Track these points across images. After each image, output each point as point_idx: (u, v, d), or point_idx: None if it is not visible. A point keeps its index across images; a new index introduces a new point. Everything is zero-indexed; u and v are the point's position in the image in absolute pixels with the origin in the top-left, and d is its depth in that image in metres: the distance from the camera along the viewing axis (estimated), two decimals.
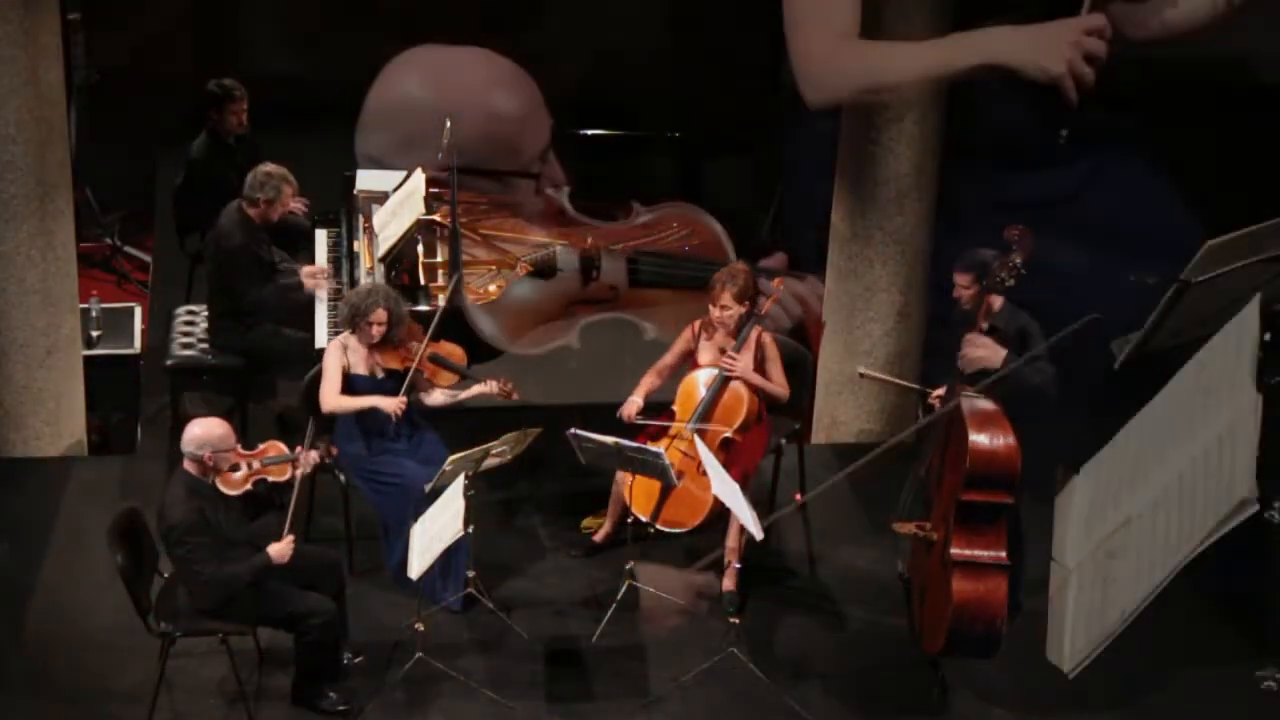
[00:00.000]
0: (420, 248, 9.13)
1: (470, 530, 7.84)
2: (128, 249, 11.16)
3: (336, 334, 8.75)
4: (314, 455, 7.84)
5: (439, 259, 9.06)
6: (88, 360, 9.44)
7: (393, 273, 9.16)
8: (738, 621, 8.07)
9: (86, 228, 10.45)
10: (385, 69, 4.16)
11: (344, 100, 11.67)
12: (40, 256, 9.10)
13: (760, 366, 8.47)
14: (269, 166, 9.29)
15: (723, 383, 8.44)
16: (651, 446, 8.13)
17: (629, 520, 8.35)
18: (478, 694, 7.82)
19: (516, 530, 8.99)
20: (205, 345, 9.47)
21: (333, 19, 12.28)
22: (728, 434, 8.36)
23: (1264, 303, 7.58)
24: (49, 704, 7.77)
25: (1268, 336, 7.76)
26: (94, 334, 9.61)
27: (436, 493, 7.97)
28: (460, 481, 7.88)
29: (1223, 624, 8.32)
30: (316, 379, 8.49)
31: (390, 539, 8.37)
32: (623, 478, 8.45)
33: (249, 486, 7.60)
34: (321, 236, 9.87)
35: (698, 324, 8.57)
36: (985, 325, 7.81)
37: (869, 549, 8.84)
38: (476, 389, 8.48)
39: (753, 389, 8.43)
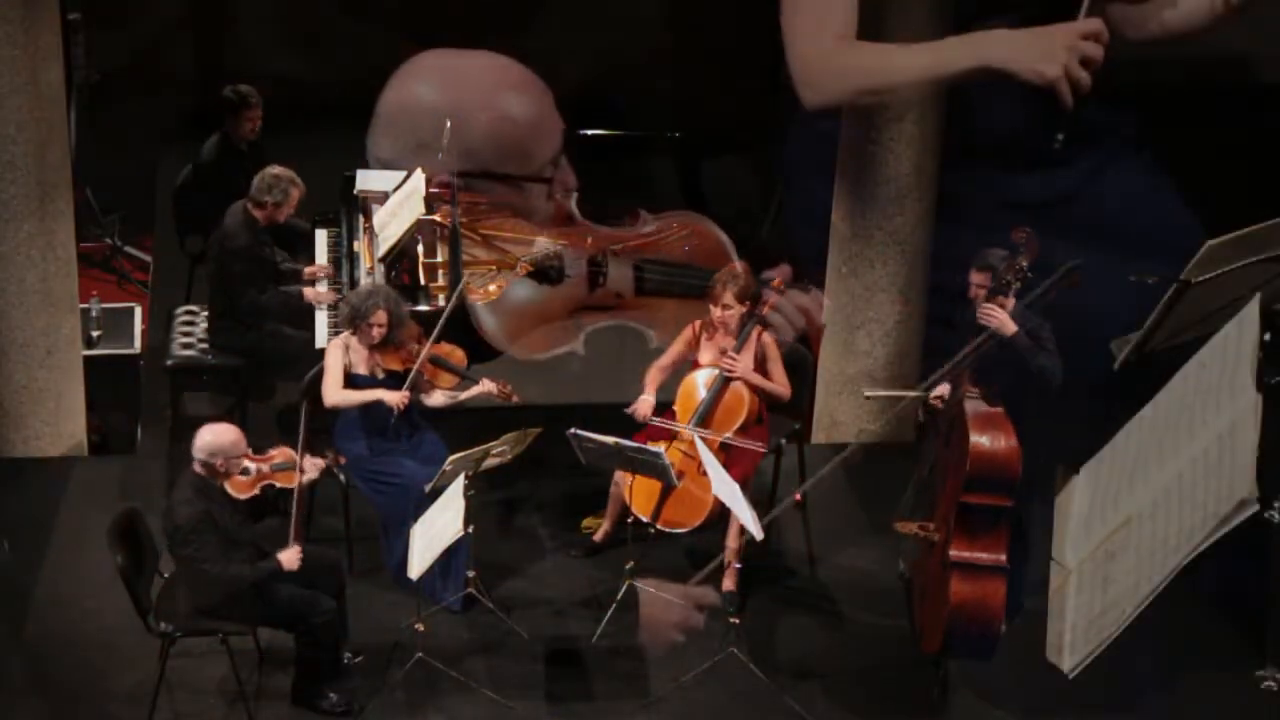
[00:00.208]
0: (420, 248, 9.13)
1: (470, 530, 7.84)
2: (128, 249, 11.16)
3: (337, 334, 8.75)
4: (321, 462, 7.85)
5: (439, 259, 9.06)
6: (88, 360, 9.44)
7: (393, 273, 9.16)
8: (738, 621, 8.07)
9: (86, 228, 10.45)
10: (397, 73, 4.17)
11: (344, 100, 11.67)
12: (40, 257, 9.10)
13: (761, 366, 8.47)
14: (276, 169, 9.29)
15: (723, 383, 8.44)
16: (651, 446, 8.13)
17: (629, 520, 8.35)
18: (478, 694, 7.82)
19: (516, 530, 8.99)
20: (205, 345, 9.47)
21: (332, 19, 12.29)
22: (728, 435, 8.37)
23: (1264, 303, 7.58)
24: (49, 704, 7.77)
25: (1268, 336, 7.76)
26: (94, 334, 9.61)
27: (436, 493, 7.97)
28: (460, 481, 7.88)
29: (1223, 624, 8.32)
30: (317, 379, 8.49)
31: (390, 539, 8.37)
32: (622, 478, 8.45)
33: (256, 491, 7.60)
34: (322, 236, 9.87)
35: (698, 324, 8.57)
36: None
37: (869, 549, 8.84)
38: (476, 390, 8.49)
39: (753, 389, 8.43)
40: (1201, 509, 7.37)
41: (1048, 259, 7.86)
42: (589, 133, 10.71)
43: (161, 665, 7.57)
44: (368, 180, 9.78)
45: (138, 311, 9.99)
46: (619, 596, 8.23)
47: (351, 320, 8.31)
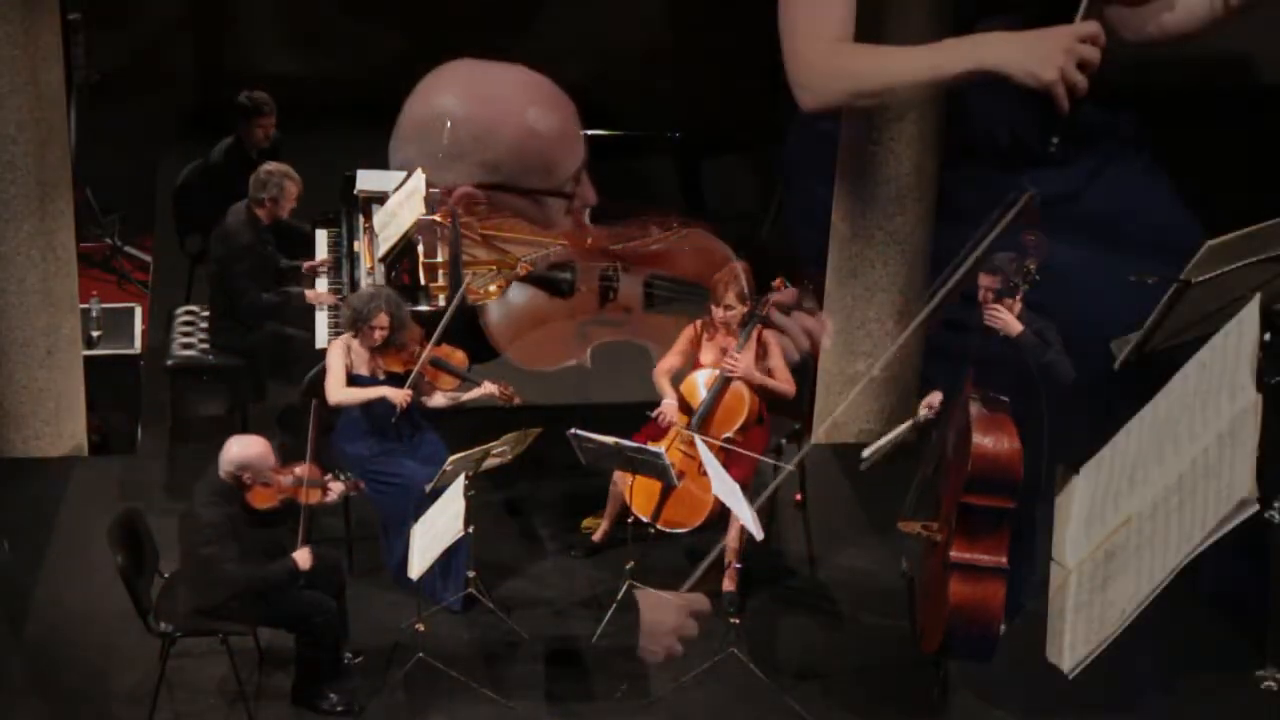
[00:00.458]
0: (420, 248, 9.13)
1: (470, 530, 7.84)
2: (128, 249, 11.16)
3: (337, 334, 8.75)
4: (341, 486, 7.86)
5: (439, 259, 9.06)
6: (88, 360, 9.44)
7: (393, 273, 9.16)
8: (738, 621, 8.07)
9: (86, 228, 10.45)
10: (423, 81, 4.18)
11: (343, 100, 11.70)
12: (40, 257, 9.10)
13: (762, 363, 8.47)
14: (270, 165, 9.31)
15: (724, 384, 8.44)
16: (652, 446, 8.14)
17: (629, 520, 8.35)
18: (478, 694, 7.82)
19: (516, 530, 8.99)
20: (205, 345, 9.47)
21: (332, 19, 12.29)
22: (729, 435, 8.37)
23: (1264, 303, 7.58)
24: (49, 704, 7.77)
25: (1268, 336, 7.76)
26: (94, 334, 9.61)
27: (436, 493, 7.97)
28: (460, 481, 7.88)
29: (1223, 624, 8.32)
30: (317, 379, 8.48)
31: (390, 539, 8.37)
32: (622, 478, 8.45)
33: (275, 504, 7.61)
34: (322, 236, 9.87)
35: (699, 323, 8.57)
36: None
37: (870, 549, 8.84)
38: (477, 392, 8.49)
39: (755, 388, 8.43)
40: (1201, 509, 7.36)
41: (1048, 259, 7.86)
42: (589, 133, 10.71)
43: (161, 665, 7.57)
44: (367, 180, 9.79)
45: (138, 311, 9.99)
46: (619, 596, 8.24)
47: (353, 323, 8.31)
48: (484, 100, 3.94)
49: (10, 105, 8.86)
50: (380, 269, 9.18)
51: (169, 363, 9.48)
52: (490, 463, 8.16)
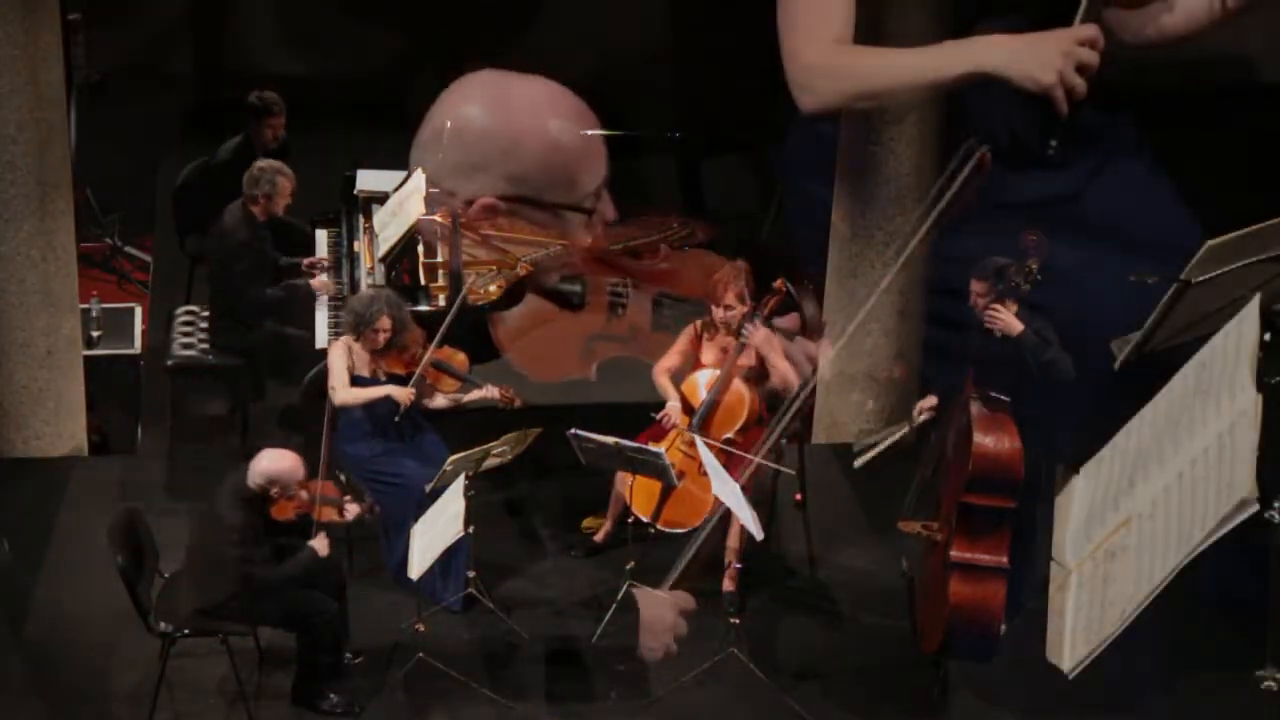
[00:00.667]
0: (420, 248, 9.13)
1: (470, 530, 7.84)
2: (128, 249, 11.16)
3: (337, 334, 8.75)
4: (358, 509, 7.87)
5: (439, 259, 9.06)
6: (88, 360, 9.44)
7: (393, 273, 9.16)
8: (738, 621, 8.07)
9: (86, 228, 10.45)
10: (448, 91, 4.18)
11: (344, 100, 11.69)
12: (40, 257, 9.10)
13: (762, 361, 8.47)
14: (263, 162, 9.32)
15: (724, 384, 8.44)
16: (652, 446, 8.14)
17: (629, 520, 8.35)
18: (478, 694, 7.82)
19: (516, 530, 8.99)
20: (205, 345, 9.47)
21: (332, 19, 12.29)
22: (730, 435, 8.37)
23: (1264, 303, 7.58)
24: (49, 704, 7.77)
25: (1268, 336, 7.75)
26: (94, 334, 9.61)
27: (437, 493, 7.97)
28: (460, 482, 7.88)
29: (1223, 624, 8.32)
30: (317, 379, 8.47)
31: (390, 539, 8.37)
32: (623, 478, 8.45)
33: (292, 516, 7.62)
34: (322, 236, 9.87)
35: (699, 324, 8.57)
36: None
37: (869, 549, 8.84)
38: (477, 394, 8.49)
39: (755, 387, 8.43)
40: (1201, 509, 7.36)
41: (1047, 259, 7.87)
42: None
43: (161, 665, 7.57)
44: (367, 180, 9.79)
45: (138, 311, 9.99)
46: (619, 596, 8.23)
47: (356, 327, 8.29)
48: (510, 113, 3.95)
49: (10, 105, 8.86)
50: (380, 269, 9.18)
51: (169, 363, 9.48)
52: (490, 463, 8.16)
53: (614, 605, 8.22)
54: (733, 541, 8.31)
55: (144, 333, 9.93)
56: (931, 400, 8.00)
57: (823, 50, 7.57)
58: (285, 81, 10.63)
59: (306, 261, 9.59)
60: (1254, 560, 8.00)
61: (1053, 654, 7.87)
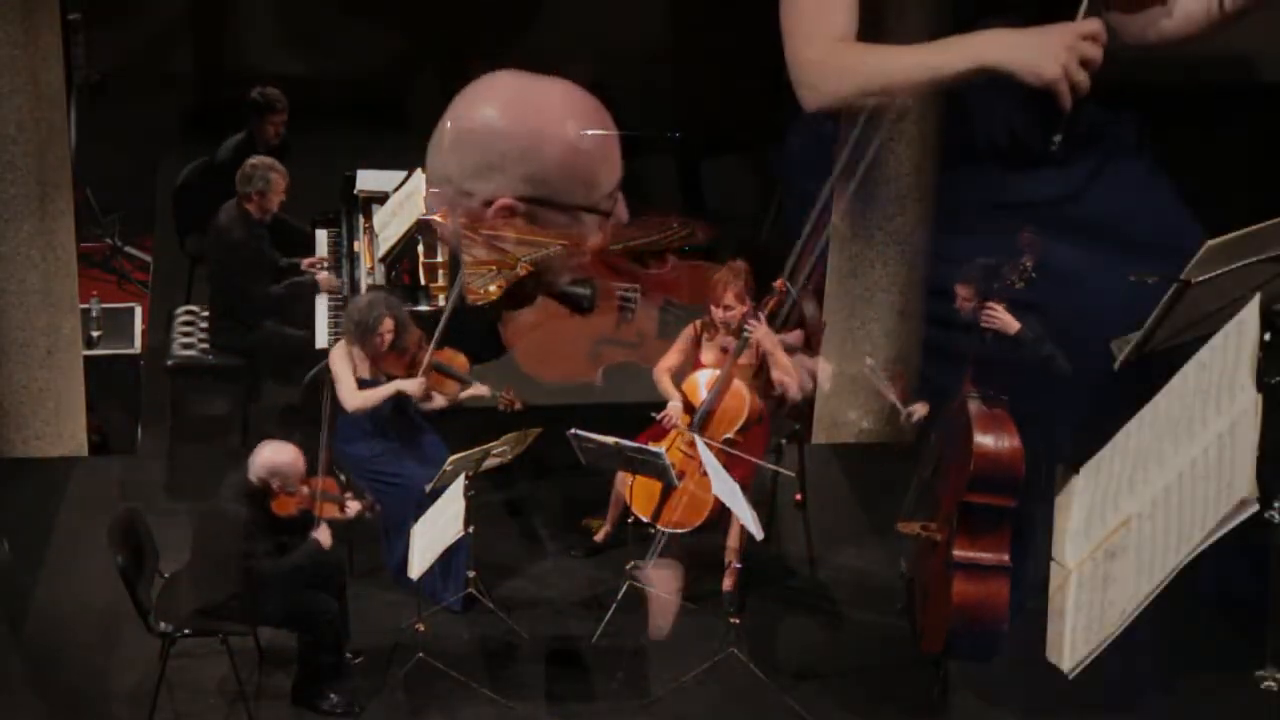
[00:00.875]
0: (420, 248, 9.13)
1: (470, 530, 7.84)
2: (128, 249, 11.16)
3: (336, 334, 8.75)
4: (359, 505, 7.87)
5: (439, 259, 9.06)
6: (88, 360, 9.44)
7: (393, 273, 9.16)
8: (738, 621, 8.07)
9: (86, 228, 10.45)
10: (464, 92, 4.17)
11: (344, 100, 11.70)
12: (40, 257, 9.10)
13: (763, 359, 8.48)
14: (255, 159, 9.32)
15: (724, 384, 8.44)
16: (652, 447, 8.14)
17: (629, 520, 8.35)
18: (478, 694, 7.82)
19: (516, 530, 8.99)
20: (205, 345, 9.47)
21: (332, 19, 12.29)
22: (730, 435, 8.37)
23: (1264, 303, 7.57)
24: (49, 704, 7.77)
25: (1268, 336, 7.75)
26: (94, 334, 9.61)
27: (437, 493, 7.97)
28: (460, 482, 7.88)
29: (1223, 624, 8.32)
30: (317, 379, 8.47)
31: (391, 539, 8.37)
32: (623, 478, 8.45)
33: (294, 512, 7.62)
34: (322, 236, 9.87)
35: (699, 324, 8.57)
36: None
37: (870, 549, 8.84)
38: (473, 390, 8.49)
39: (755, 386, 8.43)
40: (1201, 509, 7.36)
41: (1047, 259, 7.87)
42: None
43: (161, 665, 7.57)
44: (367, 180, 9.80)
45: (138, 311, 9.99)
46: (619, 596, 8.24)
47: (360, 335, 8.27)
48: (528, 114, 3.95)
49: (10, 105, 8.86)
50: (380, 269, 9.18)
51: (169, 363, 9.48)
52: (490, 463, 8.16)
53: (614, 605, 8.22)
54: (733, 541, 8.31)
55: (144, 333, 9.93)
56: (923, 407, 8.02)
57: (826, 48, 7.56)
58: (285, 81, 10.63)
59: (306, 261, 9.59)
60: (1254, 560, 8.00)
61: (1053, 654, 7.86)
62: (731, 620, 8.06)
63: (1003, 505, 7.47)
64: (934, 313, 9.52)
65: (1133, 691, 7.91)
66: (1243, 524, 7.34)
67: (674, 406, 8.45)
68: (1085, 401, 8.43)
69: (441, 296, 8.96)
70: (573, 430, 8.10)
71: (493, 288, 9.09)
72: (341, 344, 8.40)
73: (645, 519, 8.36)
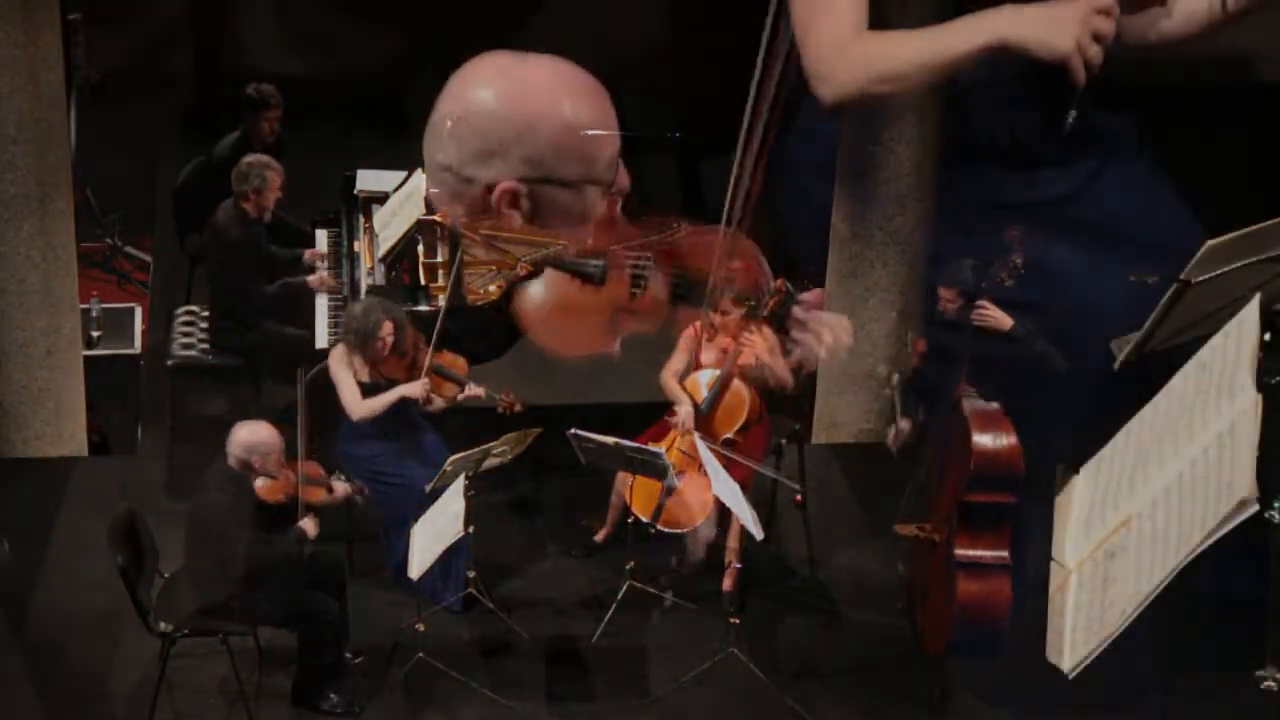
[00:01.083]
0: (420, 248, 9.13)
1: (470, 530, 7.84)
2: (128, 249, 11.16)
3: (337, 335, 8.74)
4: (346, 487, 7.87)
5: (439, 259, 9.06)
6: (88, 360, 9.44)
7: (393, 273, 9.16)
8: (738, 621, 8.07)
9: (86, 228, 10.45)
10: (456, 77, 4.15)
11: (344, 100, 11.69)
12: (40, 257, 9.10)
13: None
14: (250, 157, 9.31)
15: (724, 384, 8.44)
16: (652, 447, 8.14)
17: (629, 520, 8.35)
18: (478, 694, 7.82)
19: (516, 530, 8.99)
20: (205, 345, 9.47)
21: (332, 19, 12.29)
22: (730, 435, 8.37)
23: (1264, 303, 7.56)
24: (49, 704, 7.77)
25: (1268, 336, 7.75)
26: (94, 334, 9.61)
27: (437, 493, 7.97)
28: (460, 482, 7.88)
29: (1223, 624, 8.32)
30: (317, 379, 8.48)
31: (391, 539, 8.37)
32: (623, 478, 8.45)
33: (281, 498, 7.61)
34: (322, 236, 9.87)
35: (698, 325, 8.58)
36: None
37: (869, 549, 8.84)
38: (470, 391, 8.49)
39: (755, 386, 8.44)
40: (1201, 509, 7.35)
41: (1048, 259, 7.88)
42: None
43: (161, 665, 7.57)
44: (367, 180, 9.79)
45: (138, 311, 10.00)
46: (619, 597, 8.23)
47: (361, 342, 8.26)
48: (523, 95, 3.93)
49: (10, 105, 8.86)
50: (380, 269, 9.18)
51: (169, 363, 9.48)
52: (490, 463, 8.16)
53: (614, 605, 8.22)
54: (733, 541, 8.31)
55: (144, 333, 9.94)
56: (905, 424, 8.05)
57: (837, 39, 7.55)
58: (285, 81, 10.64)
59: (309, 253, 9.58)
60: (1254, 560, 8.00)
61: (1053, 654, 7.85)
62: (731, 620, 8.06)
63: (1003, 503, 7.47)
64: (931, 312, 9.52)
65: (1133, 691, 7.91)
66: (1243, 524, 7.33)
67: (685, 411, 8.43)
68: (1085, 401, 8.43)
69: (441, 296, 8.96)
70: (573, 430, 8.10)
71: (493, 288, 9.08)
72: (341, 350, 8.38)
73: (645, 519, 8.36)
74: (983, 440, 7.44)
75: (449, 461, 8.00)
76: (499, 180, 4.00)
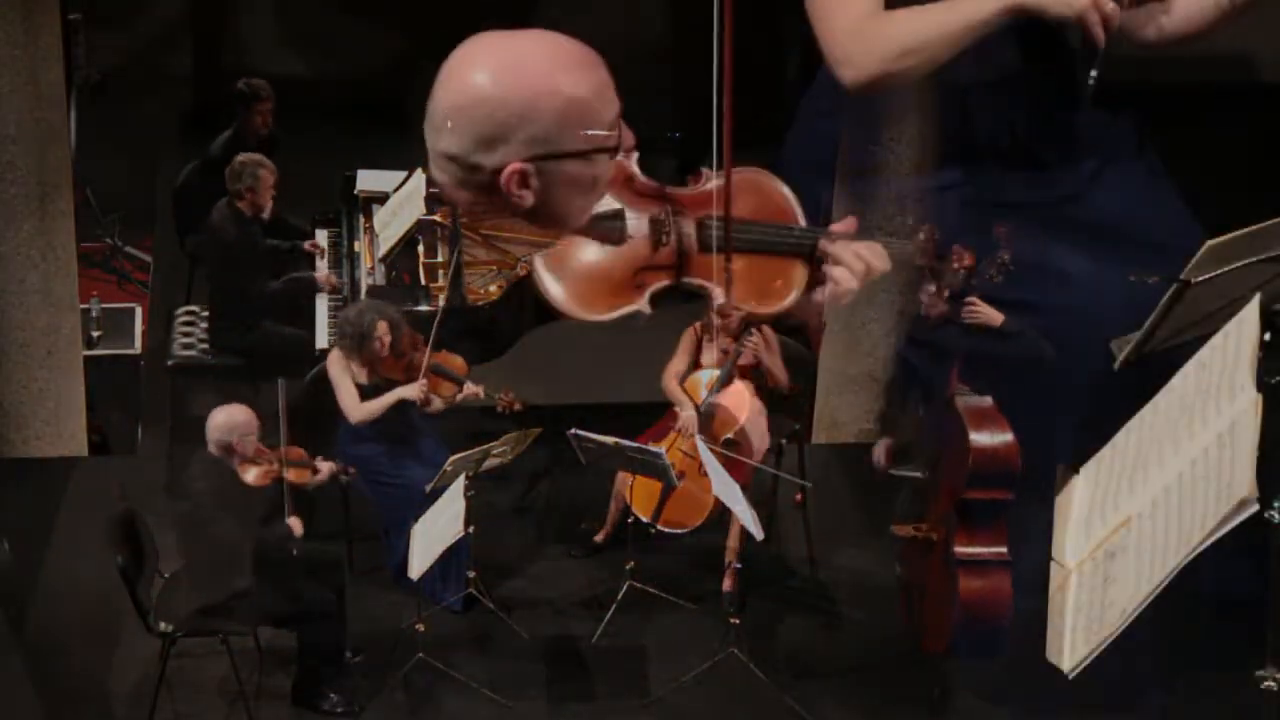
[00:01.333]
0: (420, 248, 9.13)
1: (470, 530, 7.84)
2: (128, 249, 11.16)
3: (337, 334, 8.74)
4: (331, 466, 7.87)
5: (439, 259, 9.06)
6: (88, 360, 9.44)
7: (393, 273, 9.16)
8: (738, 621, 8.07)
9: (86, 228, 10.45)
10: (450, 64, 4.11)
11: (344, 100, 11.69)
12: (40, 257, 9.10)
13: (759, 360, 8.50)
14: (242, 156, 9.32)
15: (724, 384, 8.44)
16: (652, 447, 8.14)
17: (629, 520, 8.35)
18: (478, 694, 7.82)
19: (516, 530, 8.99)
20: (205, 345, 9.47)
21: (333, 18, 12.29)
22: (730, 435, 8.37)
23: (1264, 303, 7.56)
24: (49, 704, 7.77)
25: (1268, 336, 7.75)
26: (94, 334, 9.61)
27: (437, 493, 7.97)
28: (460, 481, 7.88)
29: (1223, 624, 8.31)
30: (316, 380, 8.47)
31: (391, 539, 8.37)
32: (623, 478, 8.45)
33: (266, 483, 7.62)
34: (322, 237, 9.87)
35: (698, 326, 8.58)
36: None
37: (869, 549, 8.83)
38: (469, 389, 8.49)
39: (755, 386, 8.44)
40: (1201, 509, 7.35)
41: (1048, 260, 7.88)
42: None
43: (162, 665, 7.57)
44: (367, 180, 9.80)
45: (138, 311, 10.00)
46: (619, 597, 8.23)
47: (358, 345, 8.26)
48: (518, 75, 3.91)
49: (10, 105, 8.86)
50: (380, 269, 9.18)
51: (169, 363, 9.48)
52: (490, 463, 8.16)
53: (614, 605, 8.22)
54: (733, 541, 8.31)
55: (144, 333, 9.94)
56: (885, 444, 8.08)
57: (855, 19, 7.54)
58: (285, 81, 10.65)
59: (309, 244, 9.58)
60: (1254, 560, 7.99)
61: (1053, 654, 7.85)
62: (731, 620, 8.06)
63: (1000, 499, 7.47)
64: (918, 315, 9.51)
65: (1133, 691, 7.91)
66: (1243, 524, 7.33)
67: (687, 416, 8.42)
68: (1085, 401, 8.43)
69: (442, 296, 8.96)
70: (573, 430, 8.10)
71: (493, 288, 9.09)
72: (338, 354, 8.38)
73: (645, 519, 8.36)
74: (980, 438, 7.44)
75: (449, 461, 8.00)
76: (506, 163, 3.96)
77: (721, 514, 8.21)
